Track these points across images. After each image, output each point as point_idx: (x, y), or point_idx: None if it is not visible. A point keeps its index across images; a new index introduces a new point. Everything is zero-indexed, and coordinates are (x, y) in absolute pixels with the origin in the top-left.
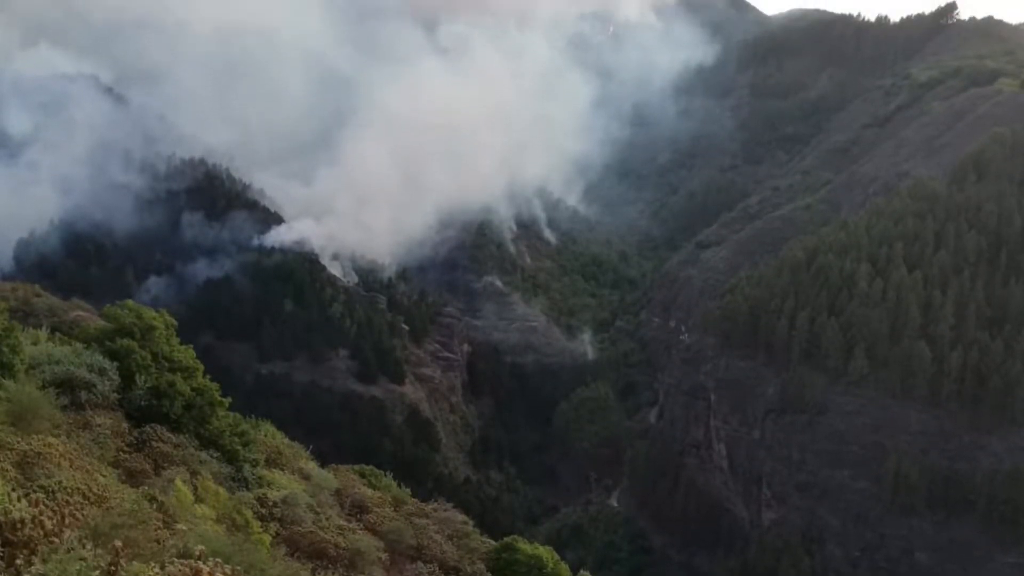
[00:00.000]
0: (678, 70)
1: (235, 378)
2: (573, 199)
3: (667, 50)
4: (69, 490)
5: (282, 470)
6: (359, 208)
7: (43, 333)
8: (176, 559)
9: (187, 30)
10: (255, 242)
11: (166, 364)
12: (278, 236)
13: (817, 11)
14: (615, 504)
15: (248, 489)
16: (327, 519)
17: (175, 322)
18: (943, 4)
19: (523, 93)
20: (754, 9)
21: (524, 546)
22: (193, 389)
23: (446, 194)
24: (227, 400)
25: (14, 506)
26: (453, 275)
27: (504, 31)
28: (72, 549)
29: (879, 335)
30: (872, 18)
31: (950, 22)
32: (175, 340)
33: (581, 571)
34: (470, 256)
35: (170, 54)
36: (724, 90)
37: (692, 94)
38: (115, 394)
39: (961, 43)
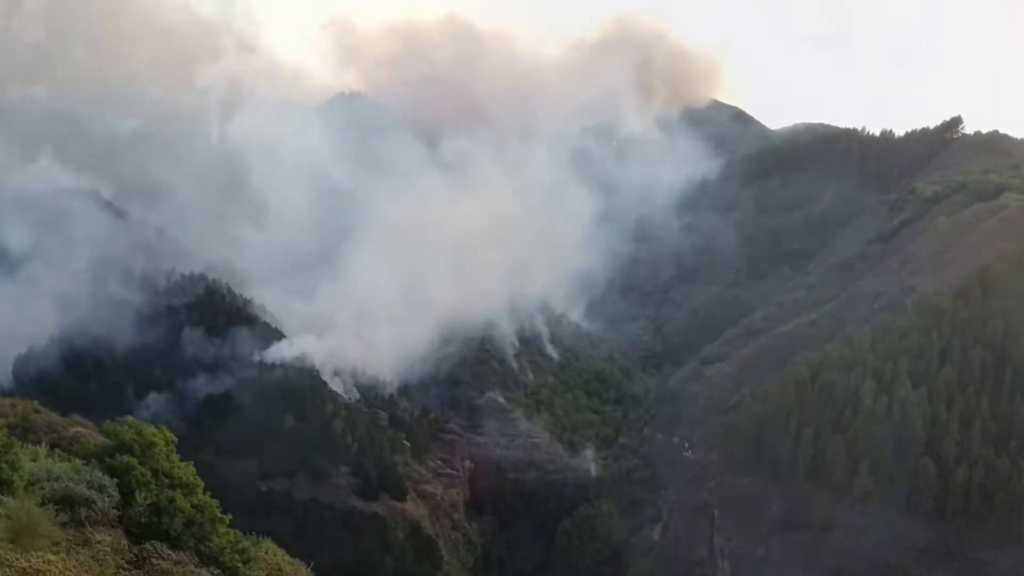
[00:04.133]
0: (681, 185)
1: (236, 495)
2: (576, 315)
3: (670, 165)
4: None
5: None
6: (360, 324)
7: (42, 449)
8: None
9: (188, 145)
10: (256, 358)
11: (166, 481)
12: (279, 352)
13: (821, 125)
14: None
15: None
16: None
17: (175, 438)
18: (948, 119)
19: (526, 208)
20: (758, 123)
21: None
22: (193, 506)
23: (448, 309)
24: (228, 517)
25: None
26: (455, 391)
27: (506, 145)
28: None
29: (884, 451)
30: (877, 133)
31: (955, 136)
32: (175, 456)
33: None
34: (472, 372)
35: (171, 168)
36: (728, 205)
37: (695, 209)
38: (115, 511)
39: (966, 158)
